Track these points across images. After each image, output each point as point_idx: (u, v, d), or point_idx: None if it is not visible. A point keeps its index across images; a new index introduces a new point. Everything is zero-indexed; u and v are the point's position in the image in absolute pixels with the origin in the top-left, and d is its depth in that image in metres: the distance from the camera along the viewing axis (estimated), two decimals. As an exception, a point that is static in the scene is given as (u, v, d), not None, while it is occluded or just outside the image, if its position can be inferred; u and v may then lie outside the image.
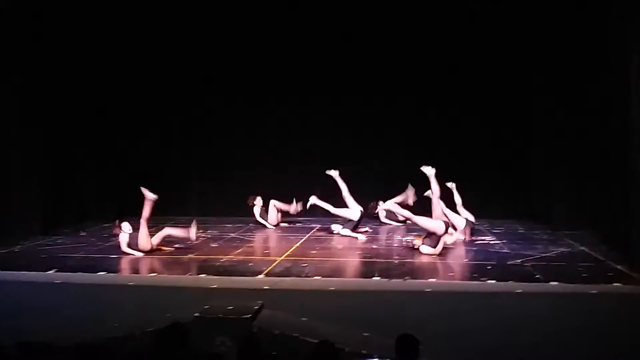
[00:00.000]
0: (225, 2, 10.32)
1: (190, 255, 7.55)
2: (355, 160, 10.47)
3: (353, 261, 7.28)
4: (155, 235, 7.55)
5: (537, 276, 6.24)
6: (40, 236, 8.61)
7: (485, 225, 9.76)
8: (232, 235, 9.28)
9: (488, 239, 8.62)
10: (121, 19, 10.14)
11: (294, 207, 9.61)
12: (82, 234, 8.06)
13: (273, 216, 9.87)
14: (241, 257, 7.47)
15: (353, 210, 8.85)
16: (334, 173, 9.09)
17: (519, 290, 5.74)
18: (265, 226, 9.84)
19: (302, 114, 10.99)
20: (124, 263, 7.22)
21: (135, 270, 6.71)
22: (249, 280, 6.24)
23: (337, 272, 6.81)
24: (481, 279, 6.10)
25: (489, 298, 5.71)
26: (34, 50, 9.03)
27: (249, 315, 5.26)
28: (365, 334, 5.42)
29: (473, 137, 10.71)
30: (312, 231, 9.46)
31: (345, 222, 8.95)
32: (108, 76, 10.48)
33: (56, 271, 6.64)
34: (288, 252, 7.75)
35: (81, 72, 10.02)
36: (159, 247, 7.65)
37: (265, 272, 6.54)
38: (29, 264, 7.01)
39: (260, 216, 9.97)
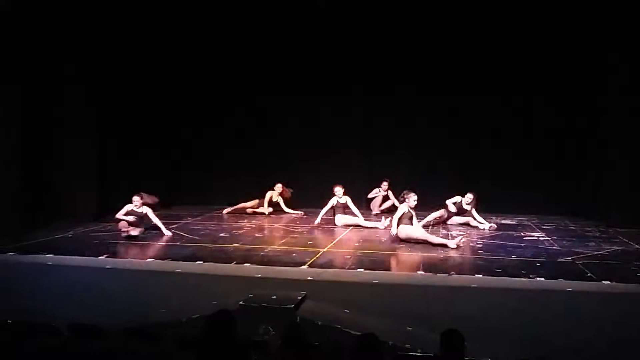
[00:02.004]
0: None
1: (235, 245, 7.65)
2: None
3: (397, 254, 7.20)
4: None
5: (588, 274, 6.03)
6: (92, 223, 8.87)
7: (535, 221, 9.51)
8: (276, 225, 9.35)
9: (537, 235, 8.39)
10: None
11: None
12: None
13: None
14: (285, 248, 7.51)
15: None
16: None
17: (569, 289, 5.56)
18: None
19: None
20: (172, 251, 7.38)
21: (182, 257, 6.84)
22: (293, 271, 6.27)
23: (380, 265, 6.76)
24: (530, 276, 5.94)
25: (537, 295, 5.56)
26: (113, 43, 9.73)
27: (292, 305, 5.29)
28: (408, 328, 5.37)
29: (526, 133, 10.44)
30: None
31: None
32: (175, 70, 10.92)
33: (107, 257, 6.85)
34: (332, 244, 7.74)
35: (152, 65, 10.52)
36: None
37: (309, 263, 6.56)
38: (81, 249, 7.25)
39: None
